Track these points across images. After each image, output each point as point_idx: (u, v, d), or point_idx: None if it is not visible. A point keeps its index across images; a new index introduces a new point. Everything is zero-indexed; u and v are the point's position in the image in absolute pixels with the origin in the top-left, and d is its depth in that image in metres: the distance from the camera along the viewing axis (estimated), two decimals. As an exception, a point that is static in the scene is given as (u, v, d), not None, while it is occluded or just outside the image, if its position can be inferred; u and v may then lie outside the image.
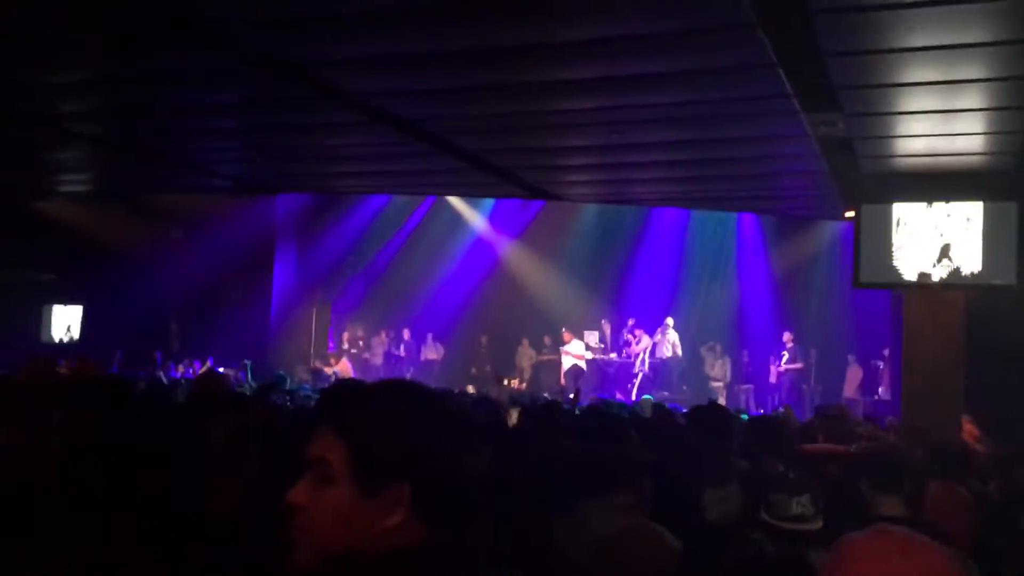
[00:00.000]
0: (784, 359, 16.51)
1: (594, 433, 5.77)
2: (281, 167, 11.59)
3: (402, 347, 19.07)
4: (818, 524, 3.39)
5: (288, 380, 12.97)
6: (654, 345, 17.64)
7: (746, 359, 17.53)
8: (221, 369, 14.22)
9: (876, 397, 14.98)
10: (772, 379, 16.83)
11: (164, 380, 12.70)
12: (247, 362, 14.80)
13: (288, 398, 8.22)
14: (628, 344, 17.80)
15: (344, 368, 17.81)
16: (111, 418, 3.53)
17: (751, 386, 17.05)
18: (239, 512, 2.83)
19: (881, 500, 3.79)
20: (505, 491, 3.70)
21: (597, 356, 18.05)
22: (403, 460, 1.45)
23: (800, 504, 3.52)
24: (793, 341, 16.50)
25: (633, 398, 15.47)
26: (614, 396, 16.12)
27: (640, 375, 17.42)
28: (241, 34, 6.72)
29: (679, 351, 17.53)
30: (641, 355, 17.57)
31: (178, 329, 17.57)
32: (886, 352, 15.14)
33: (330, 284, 18.73)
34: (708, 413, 7.07)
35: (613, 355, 18.28)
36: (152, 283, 16.57)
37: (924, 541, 1.52)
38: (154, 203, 15.98)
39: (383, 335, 19.27)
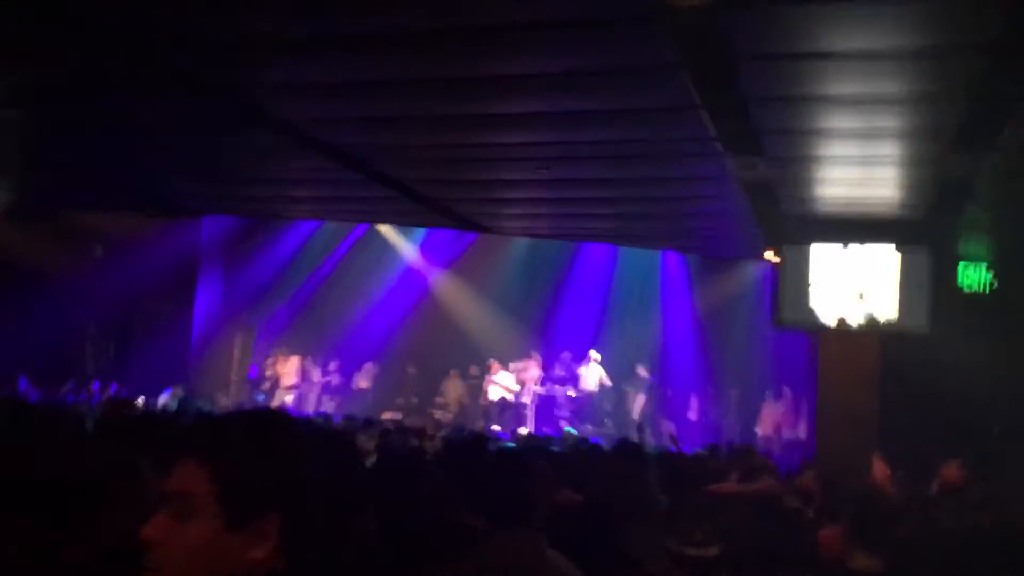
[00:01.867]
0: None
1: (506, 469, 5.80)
2: (207, 189, 11.41)
3: (302, 372, 18.65)
4: (715, 550, 3.64)
5: (208, 406, 12.65)
6: (578, 378, 17.73)
7: (668, 395, 17.74)
8: (142, 399, 13.76)
9: (791, 437, 15.28)
10: (692, 416, 17.08)
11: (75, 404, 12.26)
12: (178, 389, 14.40)
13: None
14: (520, 374, 17.84)
15: (290, 369, 17.56)
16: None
17: (672, 423, 17.24)
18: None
19: (860, 555, 3.94)
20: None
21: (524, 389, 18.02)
22: (273, 490, 1.42)
23: (701, 533, 3.85)
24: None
25: (527, 430, 15.50)
26: (541, 430, 16.15)
27: (531, 407, 17.50)
28: (168, 53, 6.61)
29: (607, 382, 17.64)
30: (528, 384, 17.63)
31: (94, 352, 17.02)
32: (787, 389, 15.67)
33: (256, 310, 18.37)
34: (623, 450, 7.13)
35: (539, 387, 18.28)
36: (68, 304, 16.00)
37: None
38: (73, 221, 15.50)
39: (310, 361, 18.96)
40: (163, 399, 13.56)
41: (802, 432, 15.47)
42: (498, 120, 7.40)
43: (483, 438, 8.08)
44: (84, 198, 12.78)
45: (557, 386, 17.82)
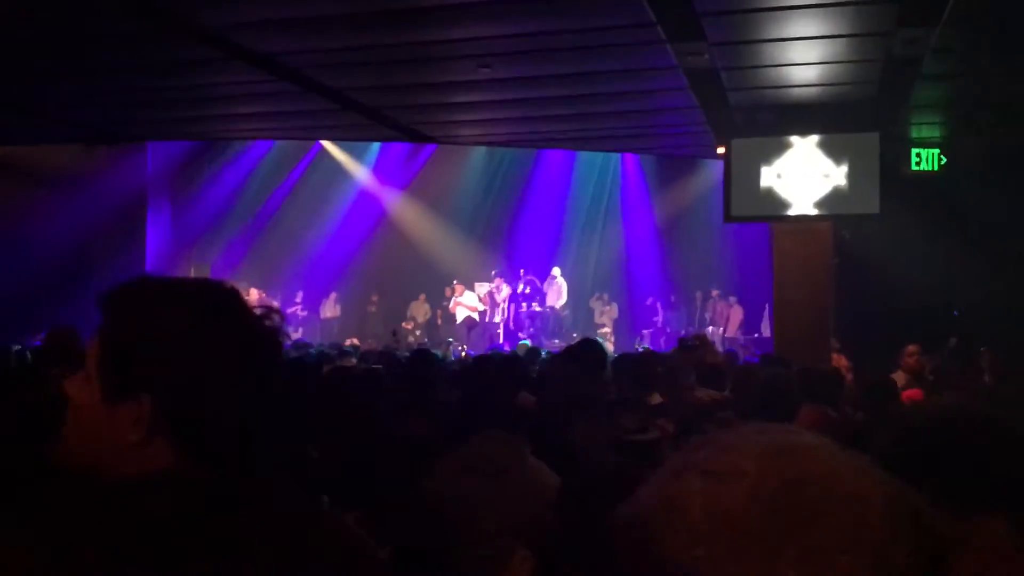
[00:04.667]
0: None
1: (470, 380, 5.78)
2: (144, 112, 10.98)
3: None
4: (654, 434, 3.79)
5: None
6: (543, 294, 17.71)
7: (633, 303, 17.82)
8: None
9: (757, 335, 15.39)
10: (658, 322, 17.18)
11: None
12: None
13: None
14: (491, 294, 17.83)
15: (250, 299, 17.31)
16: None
17: (645, 331, 17.34)
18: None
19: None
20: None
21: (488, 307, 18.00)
22: (147, 367, 1.22)
23: (635, 420, 4.07)
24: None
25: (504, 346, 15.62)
26: (503, 347, 16.16)
27: (502, 324, 17.55)
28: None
29: (564, 298, 17.69)
30: (501, 305, 17.66)
31: (44, 297, 16.57)
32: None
33: (208, 242, 18.04)
34: (582, 348, 7.05)
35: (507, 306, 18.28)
36: (10, 249, 15.54)
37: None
38: (8, 159, 14.98)
39: (264, 294, 18.70)
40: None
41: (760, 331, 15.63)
42: (432, 14, 7.09)
43: (427, 353, 7.93)
44: (17, 132, 12.30)
45: (524, 304, 17.81)
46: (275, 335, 1.32)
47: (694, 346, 7.04)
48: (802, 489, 0.77)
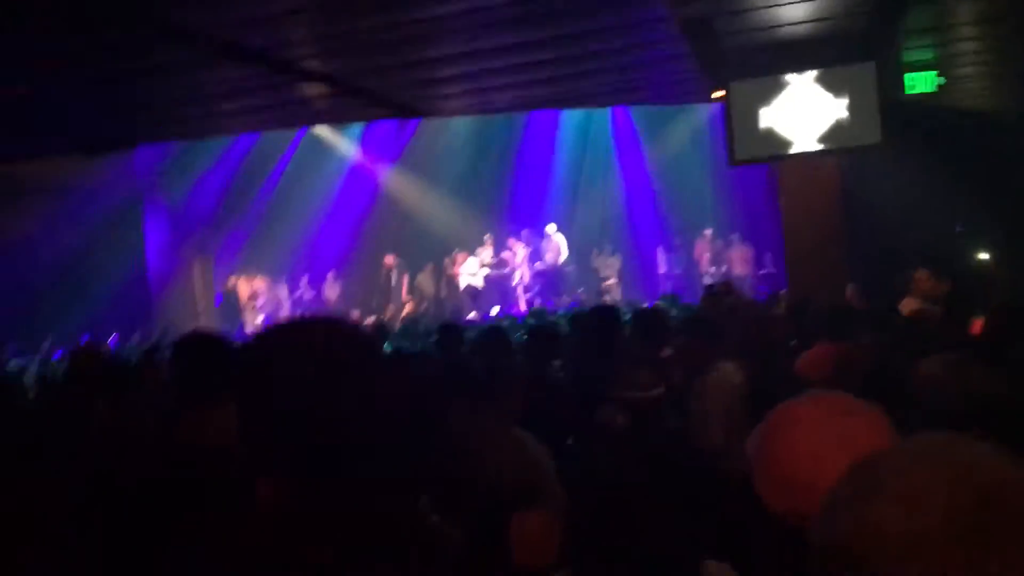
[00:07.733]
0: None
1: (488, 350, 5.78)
2: (133, 117, 10.92)
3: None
4: (658, 391, 3.69)
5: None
6: (540, 253, 17.68)
7: (636, 253, 17.83)
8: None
9: (763, 271, 15.46)
10: (661, 269, 17.20)
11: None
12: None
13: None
14: (506, 261, 17.76)
15: (257, 289, 17.36)
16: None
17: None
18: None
19: None
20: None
21: (493, 272, 17.93)
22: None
23: (645, 375, 3.89)
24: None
25: (523, 309, 15.64)
26: (510, 311, 16.22)
27: (520, 287, 17.51)
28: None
29: (564, 253, 17.64)
30: (522, 267, 17.63)
31: (49, 308, 16.57)
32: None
33: (208, 236, 17.98)
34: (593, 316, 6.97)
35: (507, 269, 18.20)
36: (12, 262, 15.50)
37: (858, 405, 1.49)
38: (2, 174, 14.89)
39: (270, 280, 18.71)
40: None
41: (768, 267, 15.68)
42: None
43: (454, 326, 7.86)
44: (11, 149, 12.22)
45: (537, 263, 17.76)
46: (349, 359, 1.36)
47: (721, 292, 7.08)
48: (997, 504, 0.80)
